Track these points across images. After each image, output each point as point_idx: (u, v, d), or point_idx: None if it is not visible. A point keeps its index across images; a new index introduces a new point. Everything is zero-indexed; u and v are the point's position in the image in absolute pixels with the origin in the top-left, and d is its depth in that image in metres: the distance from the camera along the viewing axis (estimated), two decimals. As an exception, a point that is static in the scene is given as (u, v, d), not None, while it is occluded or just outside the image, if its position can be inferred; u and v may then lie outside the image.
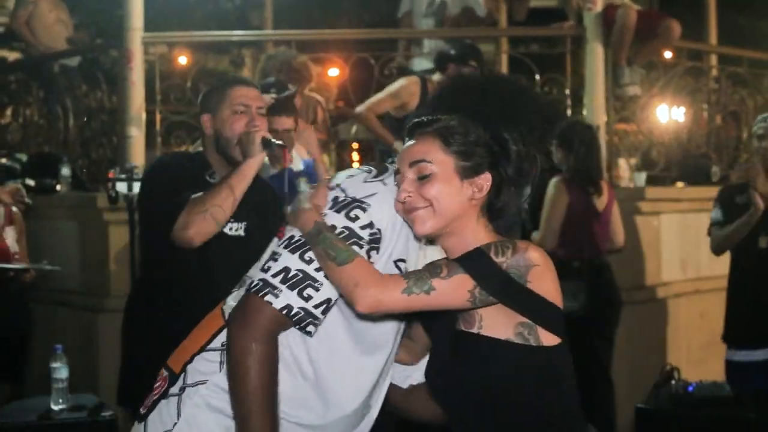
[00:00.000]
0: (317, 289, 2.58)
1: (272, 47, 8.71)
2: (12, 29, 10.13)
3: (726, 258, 6.14)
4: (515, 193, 2.69)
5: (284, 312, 2.57)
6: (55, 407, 5.08)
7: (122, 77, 7.84)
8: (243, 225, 4.15)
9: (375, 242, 2.61)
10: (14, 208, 6.42)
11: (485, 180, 2.63)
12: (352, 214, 2.60)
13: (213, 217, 3.93)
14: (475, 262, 2.54)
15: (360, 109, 7.28)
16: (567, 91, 8.26)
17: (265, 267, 2.64)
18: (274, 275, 2.60)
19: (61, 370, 5.12)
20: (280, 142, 4.12)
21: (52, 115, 9.10)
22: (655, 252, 7.43)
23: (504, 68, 9.82)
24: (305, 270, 2.59)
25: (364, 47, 8.83)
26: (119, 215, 6.85)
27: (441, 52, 7.31)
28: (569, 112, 8.24)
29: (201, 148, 4.38)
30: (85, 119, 8.85)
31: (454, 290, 2.51)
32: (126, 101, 7.79)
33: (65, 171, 8.06)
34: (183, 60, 13.34)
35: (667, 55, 9.25)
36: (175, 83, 8.45)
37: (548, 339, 2.57)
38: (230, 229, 4.11)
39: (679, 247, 7.64)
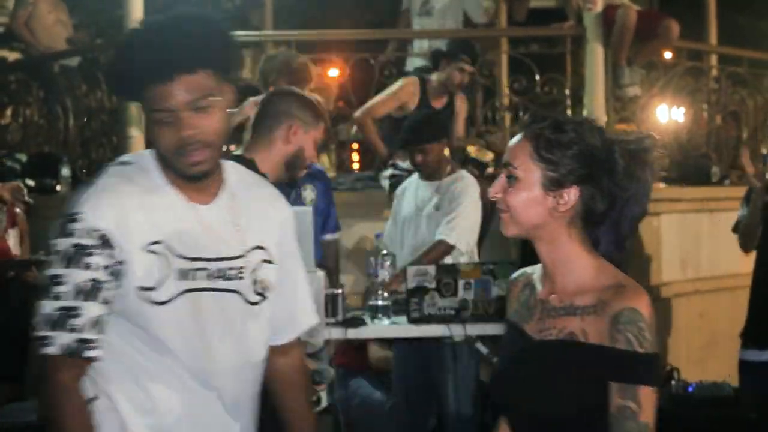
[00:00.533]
0: (78, 315, 2.52)
1: (272, 48, 8.71)
2: (11, 30, 10.14)
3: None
4: (618, 208, 2.56)
5: (65, 353, 2.52)
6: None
7: (122, 77, 7.83)
8: None
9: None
10: (17, 209, 6.42)
11: (571, 193, 2.52)
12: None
13: None
14: (649, 372, 2.44)
15: (358, 113, 7.29)
16: (567, 92, 8.27)
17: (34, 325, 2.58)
18: (39, 328, 2.54)
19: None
20: None
21: (52, 115, 9.11)
22: (655, 252, 7.44)
23: (504, 68, 9.81)
24: (59, 306, 2.53)
25: (364, 48, 8.83)
26: (119, 215, 6.83)
27: (435, 50, 7.34)
28: (569, 112, 8.24)
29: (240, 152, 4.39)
30: (85, 119, 8.86)
31: (653, 408, 2.43)
32: (126, 101, 7.79)
33: (65, 171, 8.06)
34: (183, 60, 13.33)
35: (667, 55, 9.27)
36: (175, 83, 8.43)
37: None
38: None
39: (679, 247, 7.63)
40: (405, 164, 6.96)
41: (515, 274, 2.80)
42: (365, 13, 14.96)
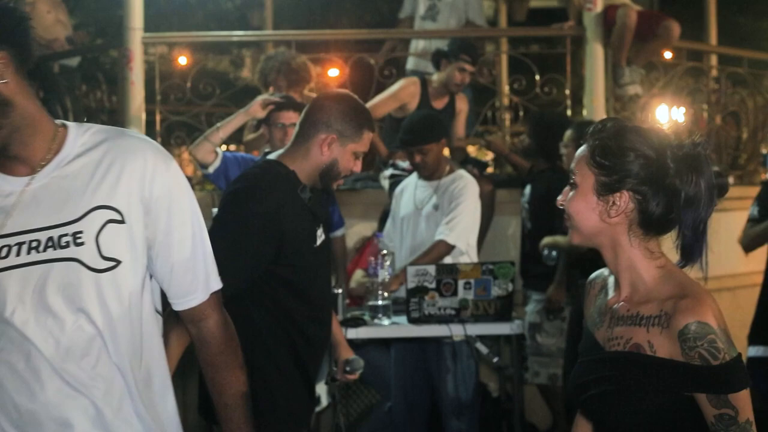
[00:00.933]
0: None
1: (272, 47, 8.72)
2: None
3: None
4: (684, 214, 2.57)
5: None
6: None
7: (122, 77, 7.84)
8: (321, 228, 4.02)
9: None
10: None
11: (622, 198, 2.55)
12: None
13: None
14: (736, 378, 2.45)
15: None
16: (567, 92, 8.26)
17: None
18: None
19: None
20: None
21: (52, 114, 9.08)
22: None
23: (504, 68, 9.82)
24: None
25: (363, 48, 8.83)
26: (119, 215, 6.84)
27: (436, 50, 7.34)
28: (569, 112, 8.25)
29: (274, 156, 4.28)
30: (85, 119, 8.85)
31: (750, 407, 2.47)
32: (126, 101, 7.79)
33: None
34: (183, 60, 13.33)
35: (667, 55, 9.26)
36: (175, 83, 8.45)
37: None
38: (318, 237, 3.97)
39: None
40: (405, 164, 6.96)
41: (593, 275, 2.85)
42: (365, 13, 14.97)
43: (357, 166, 4.01)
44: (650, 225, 2.57)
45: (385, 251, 5.84)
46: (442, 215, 6.02)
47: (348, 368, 4.34)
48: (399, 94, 7.23)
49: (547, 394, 6.90)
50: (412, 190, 6.23)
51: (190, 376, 7.16)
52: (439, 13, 8.73)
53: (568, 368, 6.40)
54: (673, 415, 2.49)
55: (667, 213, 2.56)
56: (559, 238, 6.24)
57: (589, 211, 2.58)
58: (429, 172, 6.12)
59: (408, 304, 5.63)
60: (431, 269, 5.65)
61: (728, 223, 6.17)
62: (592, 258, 4.13)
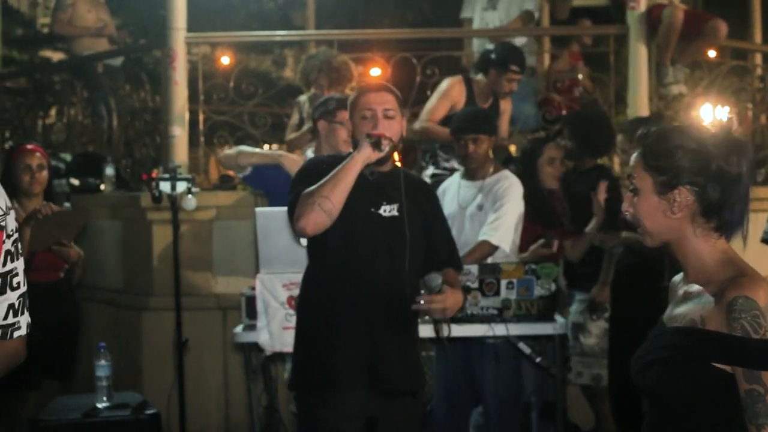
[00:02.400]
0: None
1: (314, 47, 8.73)
2: (54, 32, 10.22)
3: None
4: (733, 192, 2.71)
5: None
6: (99, 405, 5.12)
7: (165, 77, 7.88)
8: (395, 206, 4.40)
9: None
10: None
11: (681, 194, 2.71)
12: None
13: (321, 207, 4.23)
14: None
15: (417, 125, 7.19)
16: (610, 91, 8.23)
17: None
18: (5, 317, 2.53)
19: (104, 368, 5.17)
20: (386, 135, 4.34)
21: (96, 115, 9.17)
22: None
23: (547, 67, 9.78)
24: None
25: (406, 47, 8.83)
26: (163, 214, 6.89)
27: (483, 55, 7.29)
28: (613, 112, 8.21)
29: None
30: (129, 119, 8.92)
31: None
32: (169, 101, 7.83)
33: (109, 170, 8.11)
34: (226, 60, 13.37)
35: (711, 54, 9.20)
36: (218, 83, 8.49)
37: None
38: (384, 210, 4.40)
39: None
40: (447, 164, 6.95)
41: (676, 276, 2.95)
42: (406, 12, 14.97)
43: (369, 126, 4.35)
44: (711, 212, 2.70)
45: None
46: (486, 215, 5.99)
47: (423, 289, 4.41)
48: (449, 94, 7.19)
49: (590, 394, 6.87)
50: (455, 190, 6.20)
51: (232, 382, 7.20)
52: (500, 2, 8.74)
53: (613, 366, 6.38)
54: (713, 389, 2.61)
55: (722, 197, 2.69)
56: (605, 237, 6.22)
57: (654, 211, 2.74)
58: (477, 165, 6.07)
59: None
60: (474, 269, 5.64)
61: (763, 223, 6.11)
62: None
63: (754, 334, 2.53)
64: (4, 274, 2.48)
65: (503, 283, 5.62)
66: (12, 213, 2.50)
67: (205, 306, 7.19)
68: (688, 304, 2.73)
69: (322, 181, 4.27)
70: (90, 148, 9.03)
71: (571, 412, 6.82)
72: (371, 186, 4.40)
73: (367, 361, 4.32)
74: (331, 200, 4.24)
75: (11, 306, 2.49)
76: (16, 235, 2.52)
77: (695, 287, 2.73)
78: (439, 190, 6.33)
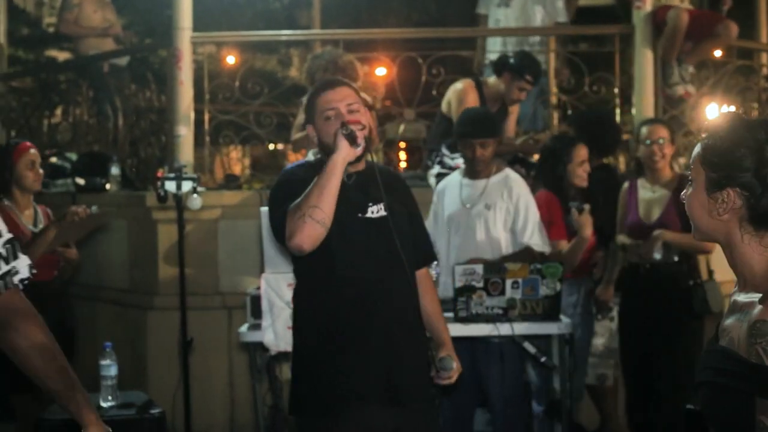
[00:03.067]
0: None
1: (320, 47, 8.73)
2: (60, 31, 10.23)
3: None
4: None
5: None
6: (104, 404, 5.12)
7: (171, 77, 7.88)
8: (381, 205, 4.19)
9: None
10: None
11: (728, 196, 2.56)
12: None
13: (312, 218, 3.98)
14: None
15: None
16: (616, 90, 8.22)
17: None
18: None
19: (109, 368, 5.17)
20: (361, 123, 4.14)
21: (102, 114, 9.18)
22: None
23: (552, 67, 9.77)
24: None
25: (411, 46, 8.83)
26: (168, 214, 6.90)
27: (501, 58, 7.28)
28: (618, 111, 8.20)
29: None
30: (135, 118, 8.92)
31: None
32: (175, 100, 7.83)
33: (114, 170, 8.12)
34: (231, 59, 13.40)
35: (717, 53, 9.18)
36: (224, 82, 8.49)
37: None
38: (372, 212, 4.19)
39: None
40: (452, 162, 6.95)
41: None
42: (412, 12, 14.97)
43: (350, 117, 4.15)
44: (760, 220, 2.57)
45: None
46: (496, 214, 6.00)
47: (438, 370, 4.41)
48: (467, 99, 7.19)
49: (595, 394, 6.87)
50: (456, 189, 6.19)
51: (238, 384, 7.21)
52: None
53: (625, 363, 6.38)
54: (741, 418, 2.46)
55: None
56: (625, 239, 6.22)
57: (700, 208, 2.62)
58: (483, 167, 6.08)
59: (455, 303, 5.63)
60: (479, 268, 5.64)
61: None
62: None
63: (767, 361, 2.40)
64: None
65: (508, 282, 5.62)
66: None
67: (210, 305, 7.20)
68: (734, 317, 2.55)
69: (306, 193, 4.02)
70: (95, 147, 9.03)
71: (576, 411, 6.81)
72: (351, 189, 4.17)
73: (384, 373, 4.13)
74: (321, 209, 3.98)
75: None
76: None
77: (742, 297, 2.57)
78: (438, 189, 6.33)
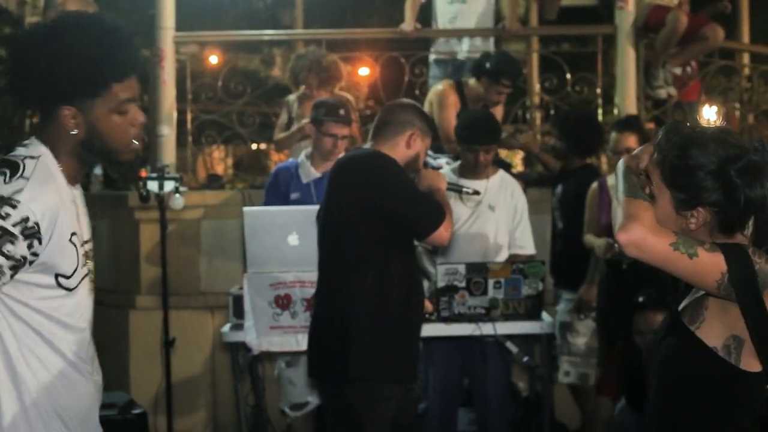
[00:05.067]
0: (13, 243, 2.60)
1: (303, 46, 8.71)
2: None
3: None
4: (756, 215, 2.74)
5: None
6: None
7: (154, 76, 7.86)
8: None
9: (33, 235, 2.60)
10: None
11: (699, 214, 2.67)
12: (2, 212, 2.58)
13: (451, 219, 4.62)
14: (732, 251, 2.59)
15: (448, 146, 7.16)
16: (598, 91, 8.24)
17: None
18: None
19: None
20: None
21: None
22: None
23: (535, 67, 9.79)
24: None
25: (394, 46, 8.83)
26: (150, 214, 6.88)
27: (479, 62, 7.23)
28: (600, 111, 8.21)
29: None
30: (117, 118, 8.88)
31: (710, 266, 2.57)
32: (157, 100, 7.81)
33: (97, 170, 8.10)
34: (214, 59, 13.39)
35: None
36: (207, 82, 8.48)
37: (749, 364, 2.63)
38: None
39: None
40: (434, 162, 6.94)
41: None
42: (395, 12, 14.95)
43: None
44: (729, 228, 2.69)
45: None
46: (499, 214, 6.03)
47: None
48: (449, 101, 7.16)
49: (577, 393, 6.88)
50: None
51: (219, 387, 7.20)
52: None
53: (604, 361, 6.40)
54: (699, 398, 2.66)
55: (742, 216, 2.69)
56: (594, 240, 6.23)
57: (669, 222, 2.69)
58: (484, 170, 6.09)
59: (438, 302, 5.63)
60: (461, 268, 5.64)
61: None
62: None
63: (755, 256, 2.59)
64: None
65: (491, 282, 5.63)
66: None
67: (192, 305, 7.19)
68: (701, 292, 2.70)
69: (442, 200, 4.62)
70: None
71: (558, 411, 6.83)
72: None
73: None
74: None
75: None
76: None
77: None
78: None
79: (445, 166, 6.61)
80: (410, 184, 4.58)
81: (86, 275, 2.80)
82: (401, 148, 4.64)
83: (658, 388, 2.76)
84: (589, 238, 6.30)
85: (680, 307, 2.77)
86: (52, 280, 2.69)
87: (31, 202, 2.59)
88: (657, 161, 2.72)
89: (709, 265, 2.56)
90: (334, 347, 4.52)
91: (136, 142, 2.83)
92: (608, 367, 6.12)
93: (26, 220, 2.58)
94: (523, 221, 6.13)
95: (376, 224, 4.49)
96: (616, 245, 5.81)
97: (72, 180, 2.81)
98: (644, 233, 2.56)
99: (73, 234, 2.74)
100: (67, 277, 2.72)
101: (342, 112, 5.96)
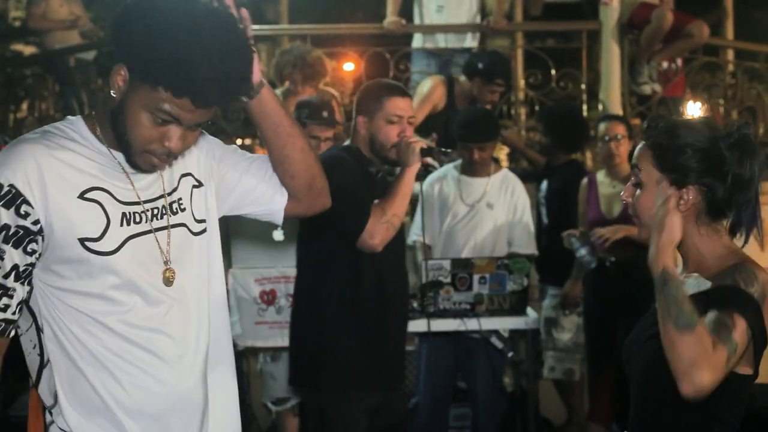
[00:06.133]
0: (11, 297, 2.44)
1: (288, 42, 8.70)
2: (30, 26, 10.16)
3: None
4: (744, 194, 2.69)
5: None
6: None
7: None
8: None
9: (13, 199, 2.41)
10: None
11: (689, 193, 2.66)
12: (22, 211, 2.42)
13: (392, 225, 4.34)
14: (744, 305, 2.54)
15: None
16: (583, 86, 8.25)
17: None
18: None
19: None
20: (442, 149, 4.61)
21: (68, 109, 9.12)
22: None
23: (519, 63, 9.79)
24: None
25: (379, 42, 8.82)
26: (135, 209, 6.86)
27: (470, 62, 7.23)
28: (585, 107, 8.22)
29: (348, 143, 4.63)
30: (100, 113, 8.86)
31: (743, 338, 2.53)
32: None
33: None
34: (198, 54, 13.30)
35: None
36: (191, 77, 8.44)
37: (742, 368, 2.62)
38: None
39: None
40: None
41: None
42: (380, 7, 14.95)
43: (405, 131, 4.44)
44: (717, 211, 2.69)
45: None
46: (497, 212, 6.04)
47: None
48: (432, 97, 7.15)
49: (562, 389, 6.90)
50: (454, 187, 6.16)
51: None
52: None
53: (592, 357, 6.40)
54: None
55: (730, 197, 2.67)
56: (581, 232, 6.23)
57: (654, 207, 2.68)
58: (482, 168, 6.10)
59: (423, 298, 5.63)
60: (446, 264, 5.64)
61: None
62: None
63: (744, 287, 2.56)
64: None
65: (475, 278, 5.63)
66: None
67: (177, 301, 7.16)
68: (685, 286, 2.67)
69: (388, 197, 4.34)
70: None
71: (543, 406, 6.84)
72: (379, 184, 4.54)
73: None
74: (400, 216, 4.39)
75: None
76: None
77: (693, 275, 2.71)
78: (429, 181, 6.28)
79: (432, 162, 6.61)
80: (344, 184, 4.15)
81: (144, 233, 2.56)
82: (358, 137, 4.53)
83: (644, 389, 2.76)
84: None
85: None
86: (78, 248, 2.46)
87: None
88: (647, 145, 2.73)
89: (742, 340, 2.52)
90: (304, 352, 4.49)
91: (156, 161, 2.51)
92: (600, 394, 6.12)
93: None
94: (523, 220, 6.12)
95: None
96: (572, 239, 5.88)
97: (114, 144, 2.54)
98: (706, 381, 2.43)
99: (91, 189, 2.49)
100: (95, 240, 2.47)
101: (325, 113, 5.88)
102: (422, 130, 7.19)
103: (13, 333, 2.50)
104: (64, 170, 2.47)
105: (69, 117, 2.67)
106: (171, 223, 2.63)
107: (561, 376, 6.70)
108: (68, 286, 2.51)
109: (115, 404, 2.54)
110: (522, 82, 9.04)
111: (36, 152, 2.47)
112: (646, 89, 8.24)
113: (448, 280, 5.62)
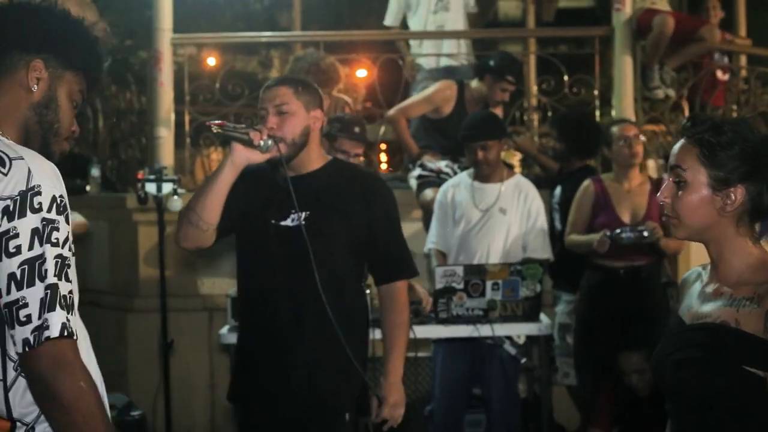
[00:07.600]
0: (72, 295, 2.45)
1: (300, 48, 8.71)
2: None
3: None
4: None
5: (69, 333, 2.39)
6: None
7: (151, 78, 7.87)
8: (305, 214, 4.00)
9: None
10: None
11: (737, 192, 2.60)
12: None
13: (188, 220, 4.01)
14: None
15: (392, 111, 7.28)
16: (595, 92, 8.24)
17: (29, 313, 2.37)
18: (44, 309, 2.38)
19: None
20: (255, 128, 4.07)
21: (82, 116, 9.09)
22: (684, 253, 7.39)
23: (532, 69, 9.80)
24: (51, 284, 2.41)
25: (392, 48, 8.83)
26: (149, 216, 6.88)
27: (482, 61, 7.26)
28: (597, 113, 8.22)
29: None
30: (115, 120, 8.89)
31: None
32: (155, 102, 7.82)
33: (95, 172, 8.10)
34: (212, 61, 13.37)
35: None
36: (204, 84, 8.48)
37: None
38: (291, 220, 4.02)
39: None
40: (433, 165, 6.95)
41: (687, 273, 2.90)
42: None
43: (275, 118, 4.20)
44: (760, 213, 2.64)
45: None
46: (510, 218, 6.03)
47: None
48: (433, 98, 7.19)
49: (576, 395, 6.88)
50: (467, 193, 6.16)
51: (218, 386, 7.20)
52: (451, 2, 8.53)
53: (580, 362, 6.40)
54: (745, 392, 2.53)
55: None
56: (583, 237, 6.23)
57: (704, 206, 2.63)
58: (489, 170, 6.10)
59: (436, 304, 5.64)
60: (459, 270, 5.65)
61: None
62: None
63: None
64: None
65: (489, 284, 5.63)
66: None
67: (190, 307, 7.19)
68: (718, 303, 2.63)
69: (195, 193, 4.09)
70: (75, 149, 9.00)
71: (557, 412, 6.83)
72: (282, 194, 4.01)
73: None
74: (195, 211, 3.97)
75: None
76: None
77: (726, 291, 2.64)
78: (444, 188, 6.30)
79: (444, 169, 6.64)
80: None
81: None
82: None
83: (683, 399, 2.69)
84: (574, 237, 6.28)
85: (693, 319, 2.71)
86: None
87: None
88: (691, 142, 2.65)
89: None
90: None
91: (67, 146, 2.63)
92: (600, 399, 6.11)
93: None
94: (537, 225, 6.11)
95: None
96: (608, 234, 5.85)
97: (22, 142, 2.51)
98: None
99: None
100: None
101: (357, 129, 5.87)
102: (430, 135, 7.21)
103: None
104: None
105: None
106: None
107: (575, 383, 6.69)
108: None
109: None
110: (534, 88, 9.04)
111: None
112: (659, 93, 8.22)
113: (461, 286, 5.62)
